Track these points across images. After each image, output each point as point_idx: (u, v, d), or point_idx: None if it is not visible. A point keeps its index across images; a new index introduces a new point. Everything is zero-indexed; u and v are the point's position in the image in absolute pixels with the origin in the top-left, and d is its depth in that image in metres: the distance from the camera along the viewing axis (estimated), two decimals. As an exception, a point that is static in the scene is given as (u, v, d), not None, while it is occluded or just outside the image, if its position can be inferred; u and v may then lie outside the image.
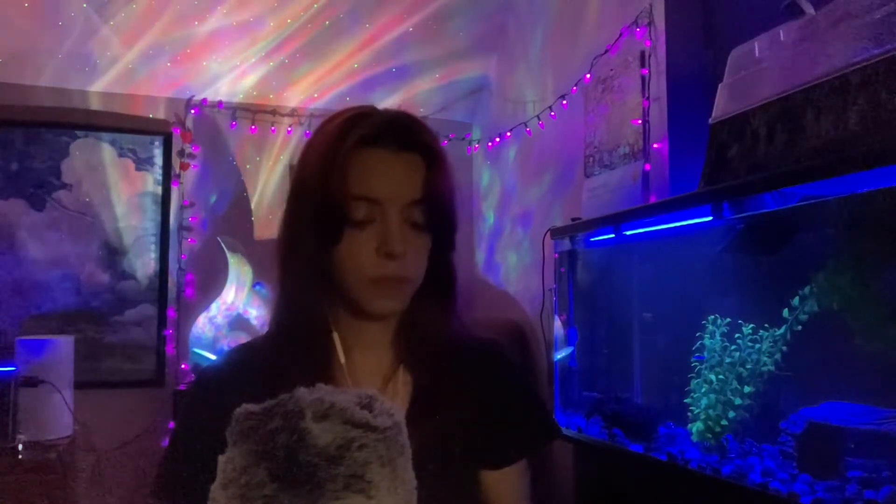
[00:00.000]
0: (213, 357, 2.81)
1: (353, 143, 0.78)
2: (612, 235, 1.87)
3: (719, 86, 1.52)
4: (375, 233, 0.78)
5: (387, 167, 0.79)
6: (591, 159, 2.31)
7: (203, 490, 0.57)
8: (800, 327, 1.33)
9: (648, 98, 2.02)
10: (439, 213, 0.81)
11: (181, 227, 3.14)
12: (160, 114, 3.17)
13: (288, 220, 0.83)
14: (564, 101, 2.55)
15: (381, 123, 0.81)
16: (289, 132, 3.30)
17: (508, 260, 3.09)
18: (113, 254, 3.05)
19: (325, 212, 0.78)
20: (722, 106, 1.48)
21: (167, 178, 3.14)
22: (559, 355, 2.10)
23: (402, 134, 0.81)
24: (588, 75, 2.35)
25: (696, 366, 1.53)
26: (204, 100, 3.19)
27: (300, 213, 0.81)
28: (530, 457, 0.90)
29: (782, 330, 1.35)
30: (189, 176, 3.18)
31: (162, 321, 3.08)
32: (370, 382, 0.83)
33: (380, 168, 0.79)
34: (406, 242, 0.78)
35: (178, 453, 0.81)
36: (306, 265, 0.80)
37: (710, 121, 1.50)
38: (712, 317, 1.50)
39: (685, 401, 1.55)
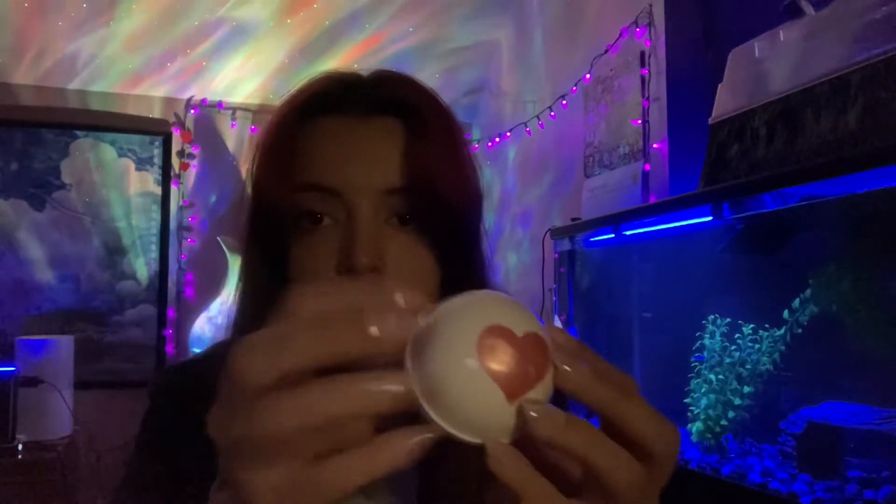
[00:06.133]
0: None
1: (300, 112, 0.55)
2: (612, 235, 1.87)
3: (719, 86, 1.52)
4: (336, 238, 0.53)
5: (347, 140, 0.54)
6: (590, 159, 2.31)
7: (165, 489, 0.54)
8: (800, 330, 1.33)
9: (648, 98, 2.02)
10: (437, 204, 0.52)
11: (181, 227, 3.14)
12: (160, 114, 3.17)
13: (245, 225, 0.62)
14: (564, 101, 2.55)
15: (343, 82, 0.57)
16: (289, 132, 3.30)
17: (508, 260, 3.09)
18: (113, 254, 3.05)
19: (265, 210, 0.57)
20: (722, 106, 1.48)
21: (167, 178, 3.14)
22: (559, 355, 2.09)
23: (373, 92, 0.56)
24: (588, 75, 2.35)
25: (695, 366, 1.53)
26: (204, 100, 3.19)
27: (250, 214, 0.60)
28: None
29: (782, 330, 1.35)
30: (189, 176, 3.18)
31: (162, 321, 3.07)
32: None
33: (336, 141, 0.54)
34: (383, 250, 0.52)
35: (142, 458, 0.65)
36: (253, 282, 0.60)
37: (710, 121, 1.50)
38: (712, 317, 1.50)
39: (685, 401, 1.55)
